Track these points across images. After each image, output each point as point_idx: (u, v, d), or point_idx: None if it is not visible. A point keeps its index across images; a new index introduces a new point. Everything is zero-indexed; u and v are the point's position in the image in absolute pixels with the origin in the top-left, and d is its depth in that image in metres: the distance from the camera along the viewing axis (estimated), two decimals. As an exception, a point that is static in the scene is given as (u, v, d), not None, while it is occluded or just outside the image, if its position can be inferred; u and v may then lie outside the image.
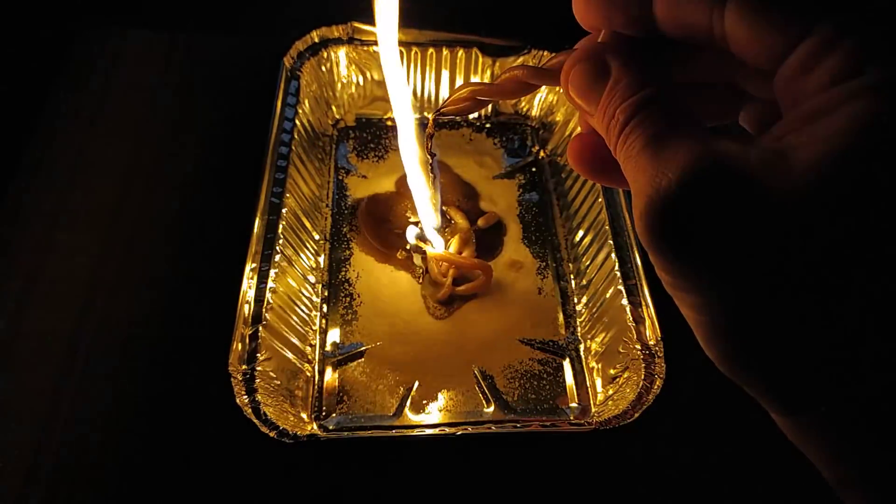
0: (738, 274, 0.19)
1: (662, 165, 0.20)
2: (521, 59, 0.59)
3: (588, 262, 0.51)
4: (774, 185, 0.18)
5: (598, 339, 0.48)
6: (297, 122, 0.53)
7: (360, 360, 0.48)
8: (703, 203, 0.19)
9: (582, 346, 0.49)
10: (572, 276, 0.53)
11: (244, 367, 0.41)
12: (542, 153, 0.61)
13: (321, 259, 0.52)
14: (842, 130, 0.18)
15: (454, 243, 0.52)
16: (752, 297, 0.19)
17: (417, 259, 0.52)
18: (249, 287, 0.44)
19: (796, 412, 0.21)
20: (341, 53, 0.58)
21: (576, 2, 0.24)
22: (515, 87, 0.29)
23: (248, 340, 0.42)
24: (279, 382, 0.42)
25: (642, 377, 0.42)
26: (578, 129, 0.57)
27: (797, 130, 0.19)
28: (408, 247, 0.52)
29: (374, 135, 0.61)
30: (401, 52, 0.59)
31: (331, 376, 0.47)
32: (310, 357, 0.47)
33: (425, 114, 0.62)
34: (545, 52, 0.58)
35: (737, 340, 0.20)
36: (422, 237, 0.51)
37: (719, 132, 0.21)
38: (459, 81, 0.61)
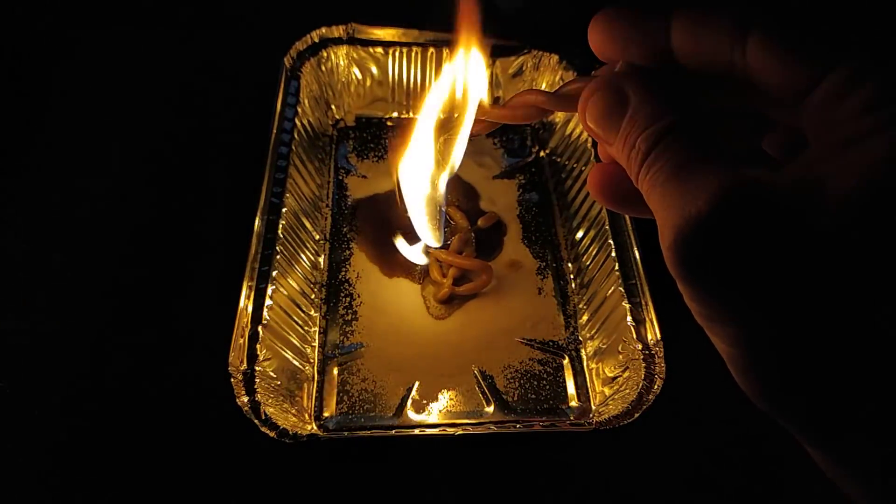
0: (773, 306, 0.19)
1: (691, 194, 0.19)
2: (520, 59, 0.59)
3: (588, 262, 0.51)
4: (810, 215, 0.18)
5: (598, 339, 0.48)
6: (297, 122, 0.53)
7: (360, 360, 0.48)
8: (735, 233, 0.19)
9: (582, 346, 0.49)
10: (572, 276, 0.53)
11: (244, 367, 0.41)
12: (542, 153, 0.61)
13: (321, 259, 0.52)
14: (879, 158, 0.17)
15: (454, 243, 0.52)
16: (788, 331, 0.19)
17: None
18: (249, 287, 0.44)
19: (834, 448, 0.20)
20: (341, 53, 0.58)
21: (591, 34, 0.24)
22: (528, 111, 0.28)
23: (248, 340, 0.42)
24: (279, 382, 0.42)
25: (642, 377, 0.42)
26: (583, 131, 0.57)
27: (829, 158, 0.18)
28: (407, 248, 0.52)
29: (374, 135, 0.61)
30: (402, 54, 0.59)
31: (331, 376, 0.47)
32: (310, 357, 0.47)
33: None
34: (545, 53, 0.58)
35: (773, 374, 0.20)
36: (427, 249, 0.51)
37: (743, 157, 0.20)
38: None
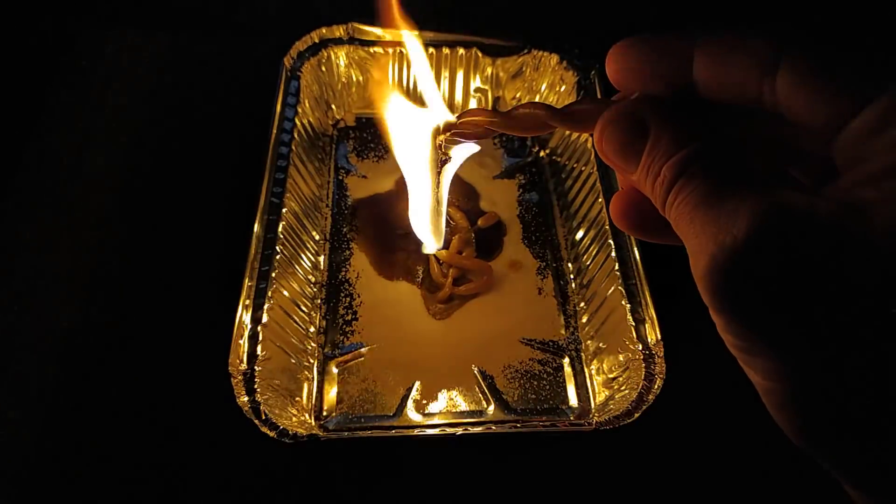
0: (813, 340, 0.18)
1: (725, 221, 0.19)
2: (521, 60, 0.59)
3: (588, 262, 0.51)
4: (851, 243, 0.17)
5: (598, 339, 0.48)
6: (297, 122, 0.53)
7: (360, 360, 0.48)
8: (777, 261, 0.18)
9: (582, 346, 0.49)
10: (572, 276, 0.53)
11: (244, 367, 0.41)
12: (542, 153, 0.61)
13: (321, 259, 0.52)
14: None
15: (454, 243, 0.52)
16: (829, 366, 0.18)
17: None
18: (250, 287, 0.44)
19: (878, 496, 0.19)
20: (341, 53, 0.58)
21: (609, 64, 0.24)
22: (533, 124, 0.28)
23: (248, 340, 0.42)
24: (279, 382, 0.42)
25: (642, 377, 0.42)
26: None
27: (867, 186, 0.18)
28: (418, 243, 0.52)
29: (374, 135, 0.61)
30: (401, 54, 0.59)
31: (331, 376, 0.47)
32: (310, 357, 0.47)
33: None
34: (545, 53, 0.58)
35: (811, 411, 0.19)
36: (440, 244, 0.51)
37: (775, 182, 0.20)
38: (460, 81, 0.61)
